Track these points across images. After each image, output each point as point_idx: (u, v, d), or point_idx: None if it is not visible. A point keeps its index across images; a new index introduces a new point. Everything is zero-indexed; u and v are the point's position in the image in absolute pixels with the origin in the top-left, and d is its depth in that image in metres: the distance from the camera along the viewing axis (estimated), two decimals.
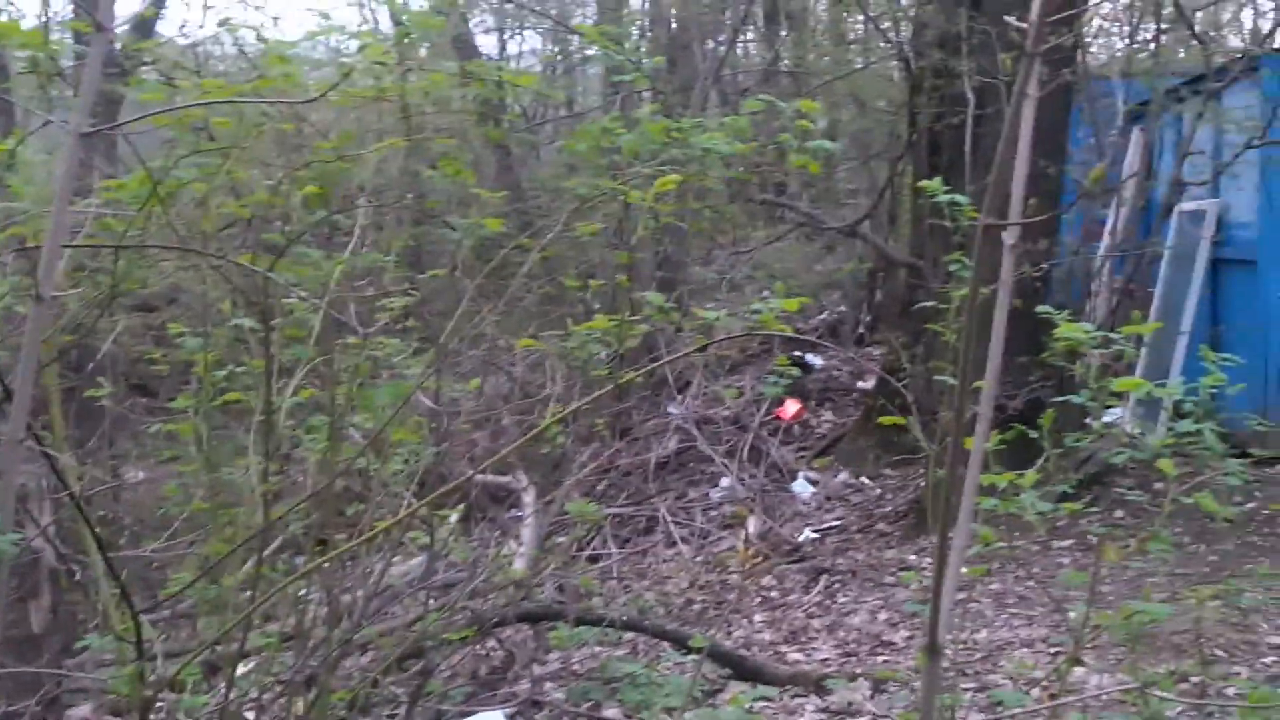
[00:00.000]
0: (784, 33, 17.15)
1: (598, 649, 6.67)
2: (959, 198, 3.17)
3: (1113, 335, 2.93)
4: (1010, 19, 2.47)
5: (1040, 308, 3.12)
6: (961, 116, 9.44)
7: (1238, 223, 9.09)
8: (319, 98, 2.80)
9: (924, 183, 3.37)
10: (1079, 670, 5.09)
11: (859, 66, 14.73)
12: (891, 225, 13.98)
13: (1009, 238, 2.05)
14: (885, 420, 3.28)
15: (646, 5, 16.34)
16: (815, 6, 17.37)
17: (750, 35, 18.43)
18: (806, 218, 11.92)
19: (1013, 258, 2.07)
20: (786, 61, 16.01)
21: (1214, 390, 3.24)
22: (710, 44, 15.37)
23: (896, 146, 13.63)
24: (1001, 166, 1.82)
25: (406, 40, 3.22)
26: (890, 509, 9.73)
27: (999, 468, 3.04)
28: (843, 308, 14.75)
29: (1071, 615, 3.35)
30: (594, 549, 9.51)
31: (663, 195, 3.01)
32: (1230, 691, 5.06)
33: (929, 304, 4.50)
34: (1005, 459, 3.23)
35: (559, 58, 17.75)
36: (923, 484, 9.43)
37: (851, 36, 16.49)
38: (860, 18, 15.10)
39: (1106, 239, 10.35)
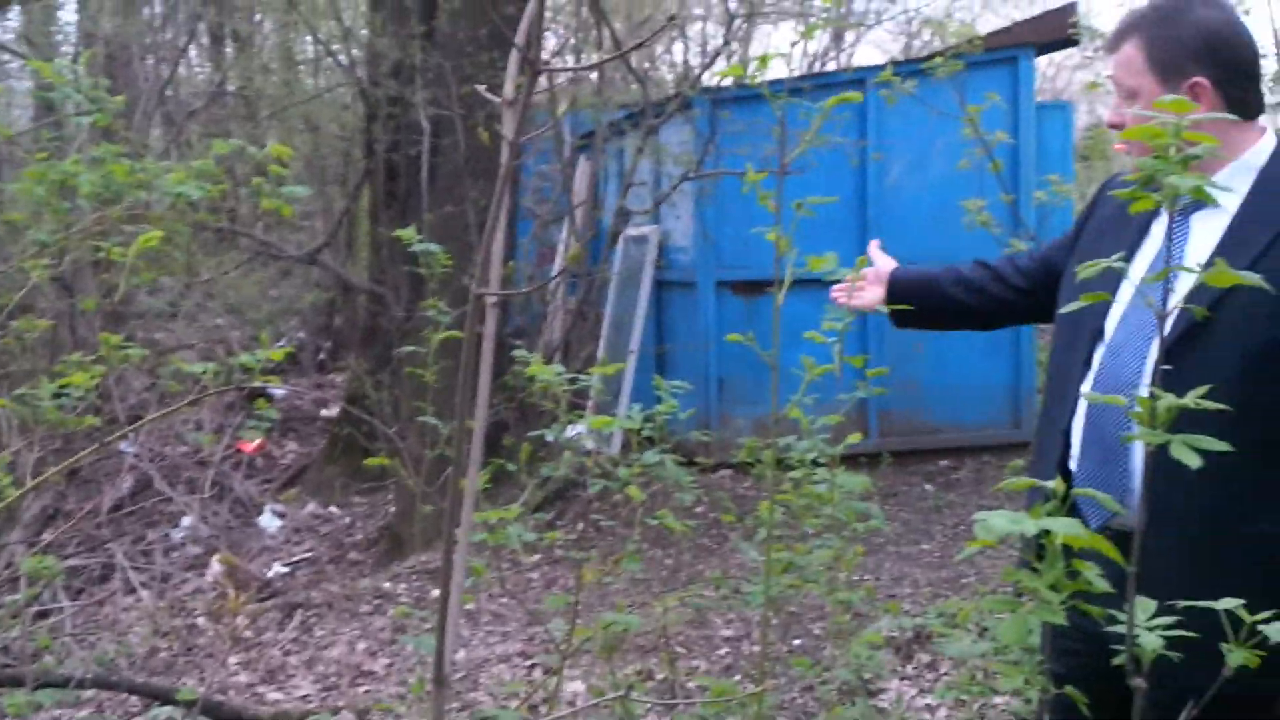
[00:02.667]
0: (230, 52, 16.73)
1: (58, 712, 6.26)
2: (433, 246, 3.28)
3: (582, 376, 3.14)
4: (481, 88, 2.60)
5: (518, 351, 3.28)
6: (418, 146, 9.63)
7: (677, 248, 9.81)
8: None
9: (400, 232, 3.45)
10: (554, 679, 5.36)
11: (313, 94, 14.62)
12: (349, 251, 14.00)
13: (492, 299, 2.16)
14: (372, 461, 3.32)
15: (79, 19, 15.38)
16: (264, 26, 17.03)
17: (195, 54, 17.82)
18: (263, 246, 11.70)
19: (495, 315, 2.19)
20: (233, 83, 15.62)
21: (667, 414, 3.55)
22: (152, 62, 14.73)
23: (352, 172, 13.67)
24: (486, 235, 1.93)
25: None
26: (361, 537, 9.75)
27: (485, 501, 3.18)
28: (302, 334, 14.57)
29: (553, 630, 3.54)
30: (42, 604, 8.84)
31: (145, 251, 2.91)
32: (692, 685, 5.49)
33: (408, 344, 4.58)
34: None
35: None
36: (393, 510, 9.52)
37: (300, 58, 16.32)
38: (310, 39, 14.99)
39: (559, 263, 10.87)
